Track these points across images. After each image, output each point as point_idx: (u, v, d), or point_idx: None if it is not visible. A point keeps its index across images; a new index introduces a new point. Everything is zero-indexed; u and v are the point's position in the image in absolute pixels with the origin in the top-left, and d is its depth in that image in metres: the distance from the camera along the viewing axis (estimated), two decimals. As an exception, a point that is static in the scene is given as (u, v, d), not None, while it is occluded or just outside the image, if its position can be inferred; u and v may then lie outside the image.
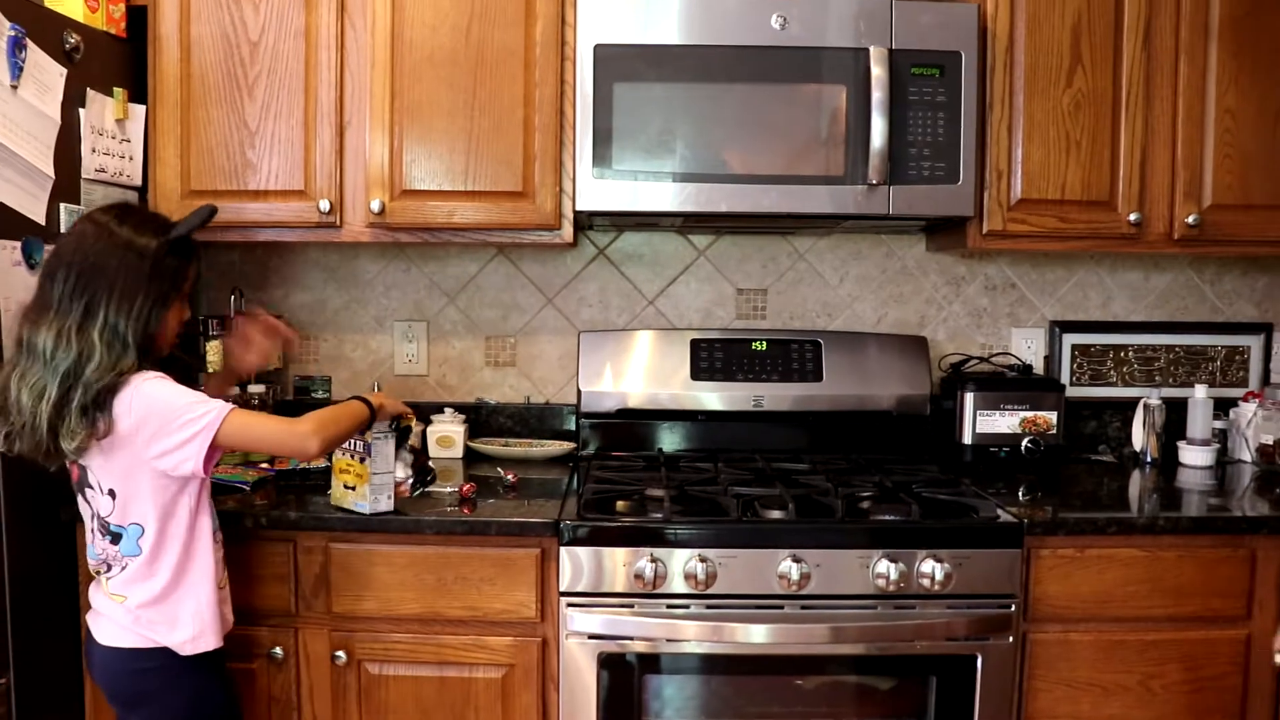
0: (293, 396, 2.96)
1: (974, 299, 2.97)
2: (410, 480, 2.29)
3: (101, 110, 2.36)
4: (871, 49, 2.36)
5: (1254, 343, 3.01)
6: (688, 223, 2.70)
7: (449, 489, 2.40)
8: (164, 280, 1.86)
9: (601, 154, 2.40)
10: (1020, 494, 2.47)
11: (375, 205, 2.47)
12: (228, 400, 1.91)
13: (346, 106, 2.52)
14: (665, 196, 2.41)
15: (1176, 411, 2.84)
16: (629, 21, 2.39)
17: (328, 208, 2.49)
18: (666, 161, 2.40)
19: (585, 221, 2.67)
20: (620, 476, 2.50)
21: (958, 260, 2.95)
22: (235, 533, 2.13)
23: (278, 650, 2.20)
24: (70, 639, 2.24)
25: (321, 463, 2.46)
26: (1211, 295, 3.01)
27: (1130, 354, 2.99)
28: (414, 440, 2.34)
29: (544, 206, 2.50)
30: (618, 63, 2.39)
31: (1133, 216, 2.53)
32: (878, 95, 2.34)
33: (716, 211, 2.42)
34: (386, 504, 2.18)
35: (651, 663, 2.15)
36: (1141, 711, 2.27)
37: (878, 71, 2.35)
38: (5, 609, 2.04)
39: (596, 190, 2.41)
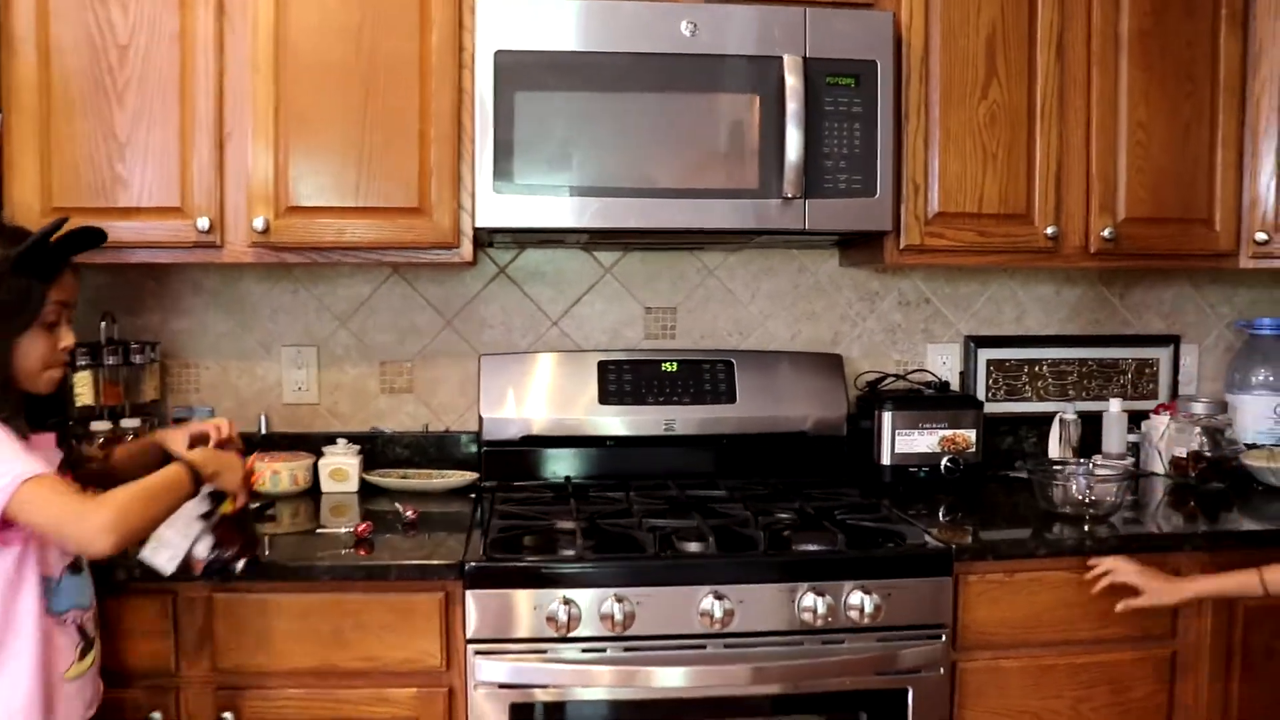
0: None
1: (888, 315, 2.90)
2: (209, 560, 1.83)
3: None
4: (785, 57, 2.27)
5: (1163, 355, 3.00)
6: (594, 239, 2.57)
7: (344, 528, 2.23)
8: (11, 305, 1.64)
9: (502, 167, 2.26)
10: (942, 516, 2.40)
11: (259, 223, 2.30)
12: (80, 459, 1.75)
13: (227, 116, 2.33)
14: (569, 212, 2.28)
15: (1091, 424, 2.81)
16: (531, 27, 2.26)
17: (207, 226, 2.31)
18: (571, 175, 2.28)
19: (485, 239, 2.53)
20: (527, 510, 2.36)
21: (872, 275, 2.88)
22: (107, 586, 1.93)
23: (156, 715, 1.99)
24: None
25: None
26: (1121, 308, 3.00)
27: (1045, 368, 2.95)
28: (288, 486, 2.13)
29: (441, 223, 2.35)
30: (519, 71, 2.26)
31: (1049, 230, 2.49)
32: (792, 106, 2.25)
33: (625, 227, 2.30)
34: (169, 565, 1.79)
35: (566, 712, 2.01)
36: (1074, 736, 2.20)
37: (792, 81, 2.25)
38: None
39: (497, 206, 2.27)
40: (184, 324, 2.75)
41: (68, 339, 1.73)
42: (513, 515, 2.30)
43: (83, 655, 1.75)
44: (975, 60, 2.45)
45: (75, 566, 1.75)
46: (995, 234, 2.49)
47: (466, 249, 2.38)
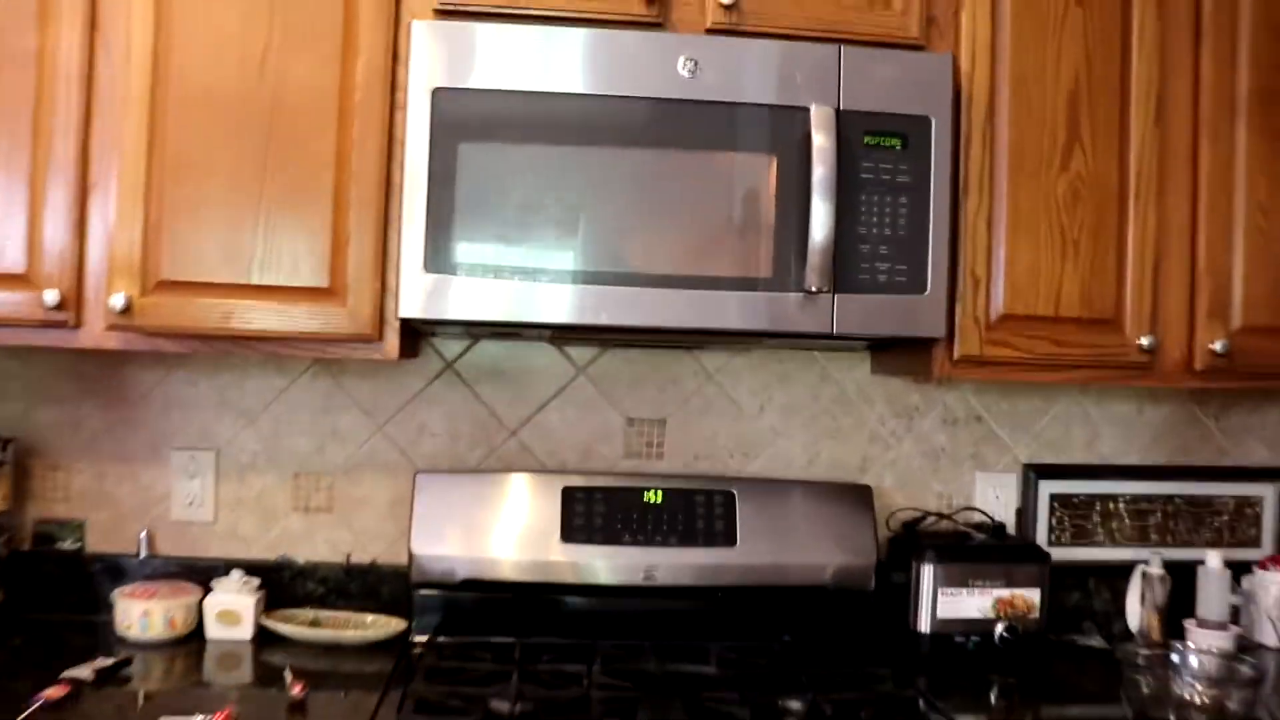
0: (30, 546, 2.18)
1: (930, 435, 2.33)
2: None
3: None
4: (813, 108, 1.73)
5: (1267, 493, 2.43)
6: (562, 333, 2.02)
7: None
8: None
9: (440, 241, 1.73)
10: (997, 702, 1.81)
11: (118, 301, 1.76)
12: None
13: (93, 163, 1.81)
14: (525, 302, 1.74)
15: (1179, 577, 2.22)
16: (483, 59, 1.74)
17: (56, 301, 1.78)
18: (529, 253, 1.74)
19: (425, 327, 1.98)
20: (458, 682, 1.78)
21: (910, 386, 2.32)
22: None
23: None
24: None
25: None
26: (1217, 432, 2.42)
27: (1122, 506, 2.38)
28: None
29: (360, 311, 1.80)
30: (465, 115, 1.74)
31: (1144, 340, 1.93)
32: (820, 171, 1.71)
33: (598, 325, 1.75)
34: None
35: None
36: None
37: (820, 140, 1.71)
38: None
39: (430, 291, 1.73)
40: (52, 415, 2.20)
41: None
42: (439, 688, 1.73)
43: None
44: (1054, 120, 1.92)
45: None
46: (1075, 344, 1.93)
47: (392, 344, 1.83)
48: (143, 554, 2.19)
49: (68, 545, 2.21)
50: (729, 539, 2.09)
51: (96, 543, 2.20)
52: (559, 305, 1.73)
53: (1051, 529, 2.35)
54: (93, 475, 2.21)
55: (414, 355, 2.12)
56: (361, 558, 2.23)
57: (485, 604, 2.07)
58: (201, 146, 1.79)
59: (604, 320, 1.73)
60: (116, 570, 2.17)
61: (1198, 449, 2.42)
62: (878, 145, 1.78)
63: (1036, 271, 1.91)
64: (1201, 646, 1.97)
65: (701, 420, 2.28)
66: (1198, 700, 1.79)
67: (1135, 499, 2.38)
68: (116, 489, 2.21)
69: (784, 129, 1.75)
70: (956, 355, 1.90)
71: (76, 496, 2.21)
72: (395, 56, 1.82)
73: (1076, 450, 2.38)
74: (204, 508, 2.22)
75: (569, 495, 2.09)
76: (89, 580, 2.17)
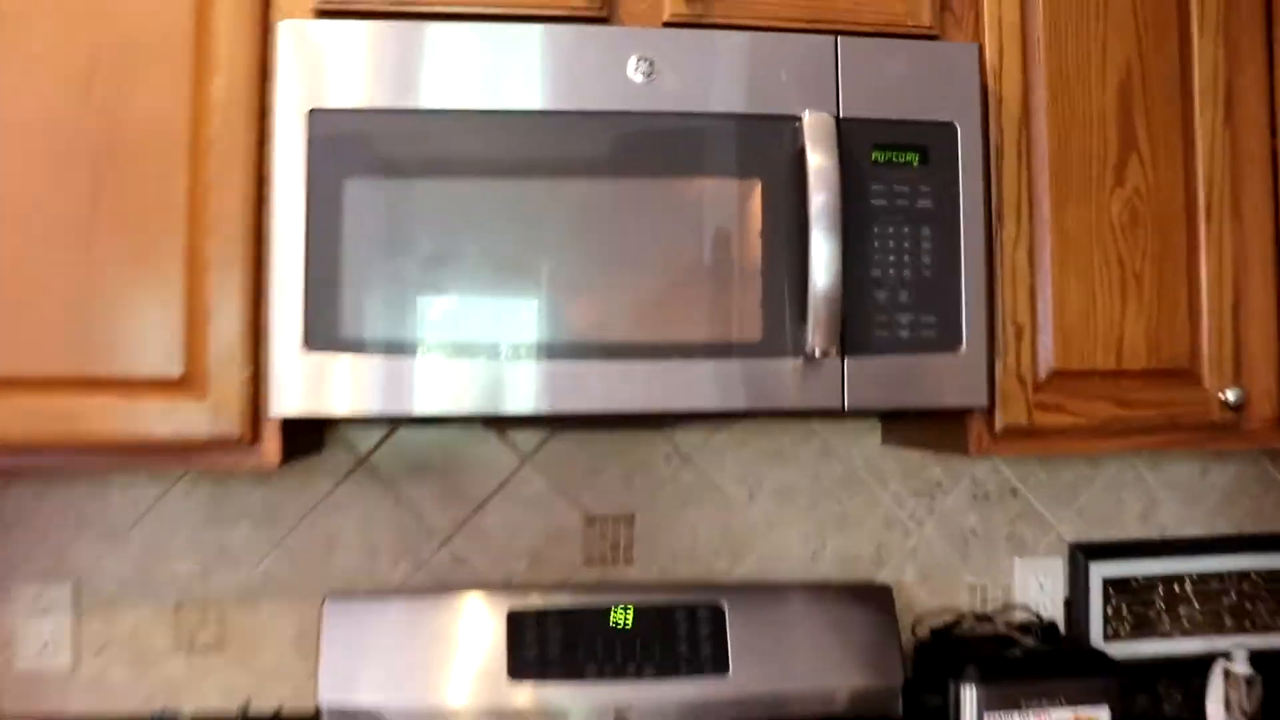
0: None
1: (956, 516, 1.92)
2: None
3: None
4: (806, 116, 1.33)
5: (1359, 562, 2.02)
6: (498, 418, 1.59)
7: None
8: None
9: (323, 311, 1.30)
10: None
11: (-101, 410, 1.31)
12: None
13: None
14: (439, 387, 1.31)
15: (1266, 668, 1.82)
16: (375, 70, 1.32)
17: None
18: (441, 322, 1.31)
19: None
20: None
21: (930, 458, 1.90)
22: None
23: None
24: None
25: None
26: (1295, 494, 2.03)
27: (1189, 587, 1.97)
28: None
29: (224, 406, 1.37)
30: (352, 143, 1.32)
31: (1230, 395, 1.53)
32: (821, 198, 1.30)
33: (535, 414, 1.33)
34: None
35: None
36: None
37: (819, 157, 1.31)
38: None
39: (315, 377, 1.30)
40: None
41: None
42: None
43: None
44: (1103, 123, 1.53)
45: None
46: (1143, 403, 1.53)
47: (271, 448, 1.40)
48: (-18, 716, 1.73)
49: (-114, 708, 1.75)
50: (719, 665, 1.65)
51: (-78, 703, 1.74)
52: (485, 390, 1.31)
53: (1108, 620, 1.93)
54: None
55: (314, 451, 1.69)
56: (263, 706, 1.77)
57: (415, 764, 1.63)
58: (11, 196, 1.36)
59: (545, 408, 1.31)
60: (-54, 741, 1.71)
61: (1274, 514, 2.02)
62: (890, 161, 1.38)
63: (1091, 314, 1.51)
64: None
65: (678, 514, 1.85)
66: None
67: (1204, 578, 1.97)
68: (-51, 633, 1.75)
69: (769, 144, 1.35)
70: (999, 426, 1.49)
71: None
72: (265, 73, 1.40)
73: (1131, 523, 1.97)
74: (60, 652, 1.77)
75: (516, 622, 1.65)
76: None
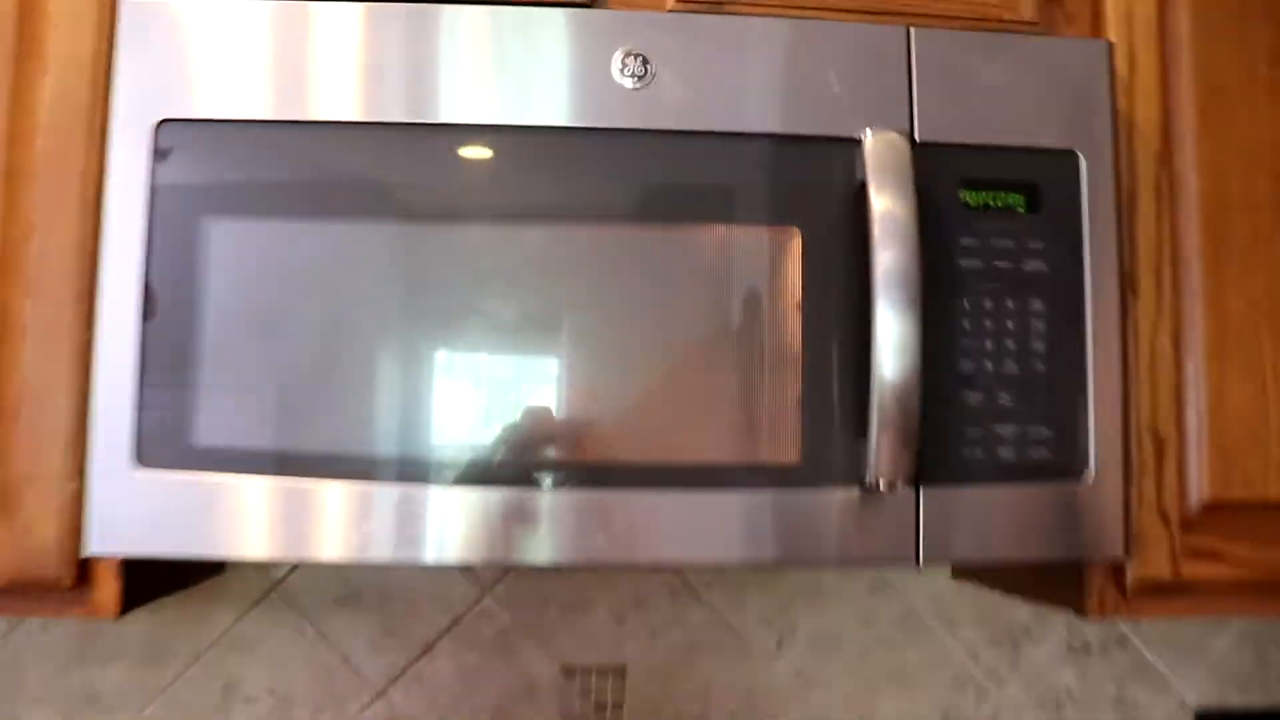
0: None
1: (1048, 673, 1.47)
2: None
3: None
4: (868, 139, 0.92)
5: None
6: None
7: None
8: None
9: (167, 410, 0.90)
10: None
11: None
12: None
13: None
14: (345, 524, 0.90)
15: None
16: (255, 66, 0.93)
17: None
18: (345, 425, 0.90)
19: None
20: None
21: (1010, 602, 1.47)
22: None
23: None
24: None
25: None
26: None
27: (1353, 773, 1.51)
28: None
29: (37, 536, 0.96)
30: (217, 168, 0.92)
31: None
32: (888, 257, 0.89)
33: (490, 561, 0.91)
34: None
35: None
36: None
37: (887, 201, 0.90)
38: None
39: (157, 501, 0.89)
40: None
41: None
42: None
43: None
44: (1276, 152, 1.11)
45: None
46: (1322, 542, 1.09)
47: (106, 594, 1.00)
48: None
49: None
50: None
51: None
52: (412, 531, 0.90)
53: (1247, 815, 1.47)
54: None
55: (204, 578, 1.29)
56: None
57: None
58: None
59: (497, 557, 0.89)
60: None
61: None
62: (987, 207, 0.96)
63: (1264, 423, 1.08)
64: None
65: (685, 666, 1.41)
66: None
67: (1369, 756, 1.51)
68: None
69: (814, 178, 0.94)
70: (1131, 579, 1.05)
71: None
72: (109, 67, 1.01)
73: (1273, 683, 1.52)
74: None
75: (458, 821, 1.22)
76: None
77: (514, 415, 0.91)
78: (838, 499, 0.92)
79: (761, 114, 0.95)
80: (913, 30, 0.98)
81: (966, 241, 0.95)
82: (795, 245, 0.94)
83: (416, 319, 0.91)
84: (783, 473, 0.91)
